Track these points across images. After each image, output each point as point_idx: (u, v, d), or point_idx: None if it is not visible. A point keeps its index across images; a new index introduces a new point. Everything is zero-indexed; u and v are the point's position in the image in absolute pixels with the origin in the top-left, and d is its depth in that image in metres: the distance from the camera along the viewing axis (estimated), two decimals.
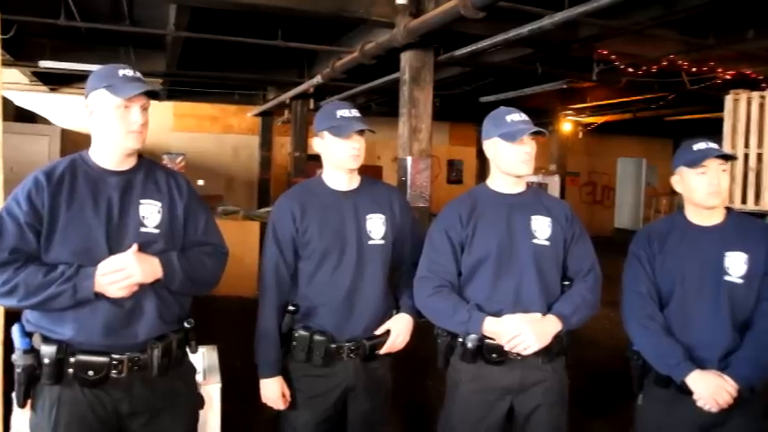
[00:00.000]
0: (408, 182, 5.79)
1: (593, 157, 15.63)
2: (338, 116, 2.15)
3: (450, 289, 2.13)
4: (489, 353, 2.06)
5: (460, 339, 2.09)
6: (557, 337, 2.06)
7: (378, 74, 7.97)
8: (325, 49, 8.01)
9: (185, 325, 1.94)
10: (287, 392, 2.16)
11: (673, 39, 6.95)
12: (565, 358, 2.19)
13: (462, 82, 9.99)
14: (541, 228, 2.14)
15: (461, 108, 12.19)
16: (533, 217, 2.15)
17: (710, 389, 1.94)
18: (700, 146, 2.06)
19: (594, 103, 11.77)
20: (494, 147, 2.17)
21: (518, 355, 2.04)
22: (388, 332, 2.21)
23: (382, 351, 2.20)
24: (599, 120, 13.10)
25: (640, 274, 2.14)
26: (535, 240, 2.12)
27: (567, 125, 13.70)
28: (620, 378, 2.50)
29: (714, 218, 2.12)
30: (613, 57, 7.48)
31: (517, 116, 2.14)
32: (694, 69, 8.14)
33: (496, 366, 2.08)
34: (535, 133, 2.11)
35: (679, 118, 12.19)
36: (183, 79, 10.43)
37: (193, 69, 9.63)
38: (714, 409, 1.96)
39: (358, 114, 2.18)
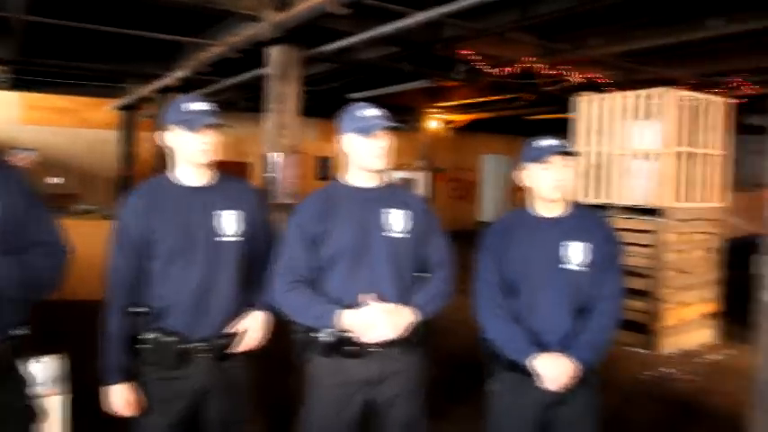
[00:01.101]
0: (275, 178, 5.72)
1: (458, 154, 16.24)
2: (189, 110, 2.09)
3: (306, 284, 2.13)
4: (346, 346, 2.08)
5: (317, 334, 2.09)
6: (413, 328, 2.11)
7: (248, 68, 7.80)
8: (191, 41, 7.72)
9: (16, 332, 1.79)
10: (136, 398, 2.07)
11: (531, 42, 7.37)
12: (423, 348, 2.25)
13: (330, 78, 10.01)
14: (396, 221, 2.18)
15: (330, 104, 12.18)
16: (389, 210, 2.18)
17: (554, 371, 2.08)
18: (544, 143, 2.20)
19: (459, 102, 12.21)
20: (349, 141, 2.19)
21: (375, 346, 2.07)
22: (242, 330, 2.17)
23: (237, 349, 2.16)
24: (464, 118, 13.63)
25: (490, 265, 2.26)
26: (390, 233, 2.16)
27: (434, 123, 14.13)
28: (477, 365, 2.61)
29: (557, 210, 2.26)
30: (475, 57, 7.80)
31: (372, 111, 2.17)
32: (550, 72, 8.66)
33: (354, 359, 2.10)
34: (392, 128, 2.15)
35: (537, 117, 12.94)
36: (31, 68, 9.64)
37: (44, 57, 8.93)
38: (557, 390, 2.10)
39: (211, 108, 2.12)
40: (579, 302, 2.19)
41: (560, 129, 6.70)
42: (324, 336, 2.07)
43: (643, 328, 5.87)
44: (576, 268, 2.17)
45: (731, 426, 2.32)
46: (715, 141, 6.15)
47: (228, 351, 2.15)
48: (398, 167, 13.10)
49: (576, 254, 2.18)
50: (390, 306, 2.09)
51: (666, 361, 5.57)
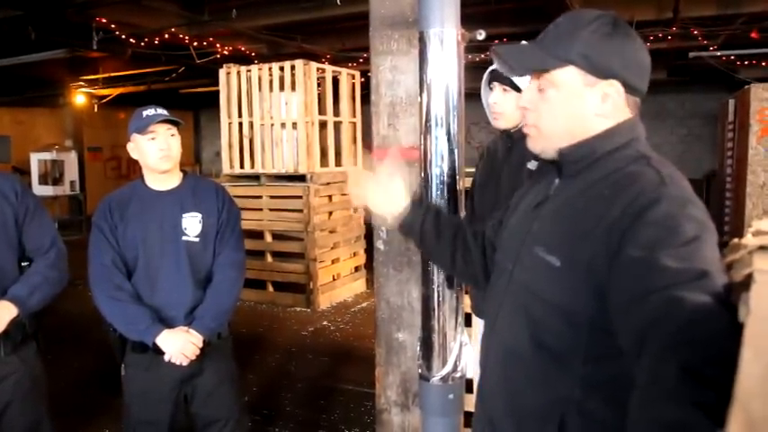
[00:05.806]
0: None
1: (114, 131, 15.05)
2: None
3: None
4: None
5: None
6: (16, 324, 1.91)
7: None
8: None
9: None
10: None
11: (173, 12, 7.11)
12: (36, 344, 2.06)
13: None
14: None
15: None
16: None
17: (178, 345, 2.07)
18: (148, 112, 2.13)
19: (107, 75, 11.33)
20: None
21: None
22: None
23: None
24: (114, 92, 12.67)
25: (104, 245, 2.13)
26: None
27: (80, 98, 12.88)
28: None
29: (171, 182, 2.22)
30: (113, 26, 7.28)
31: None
32: (198, 44, 8.50)
33: None
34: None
35: (194, 90, 12.66)
36: None
37: None
38: (185, 363, 2.09)
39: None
40: (201, 274, 2.20)
41: (216, 101, 6.66)
42: None
43: (303, 288, 6.26)
44: (195, 239, 2.18)
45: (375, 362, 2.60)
46: (349, 110, 6.74)
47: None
48: (44, 149, 11.70)
49: (194, 225, 2.18)
50: None
51: (324, 316, 6.04)
